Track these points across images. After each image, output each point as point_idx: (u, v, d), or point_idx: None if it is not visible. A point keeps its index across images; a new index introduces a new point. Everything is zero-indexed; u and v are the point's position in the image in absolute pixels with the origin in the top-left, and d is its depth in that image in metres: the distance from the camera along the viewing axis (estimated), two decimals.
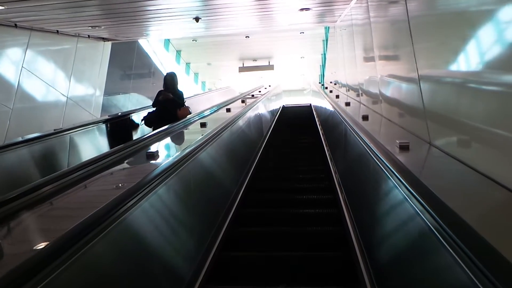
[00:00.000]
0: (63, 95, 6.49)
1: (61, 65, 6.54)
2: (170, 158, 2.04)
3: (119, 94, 9.08)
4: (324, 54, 12.86)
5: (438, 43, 2.11)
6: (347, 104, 4.45)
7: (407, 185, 1.45)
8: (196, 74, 15.70)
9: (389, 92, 3.25)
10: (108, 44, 7.98)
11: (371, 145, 2.14)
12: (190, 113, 4.74)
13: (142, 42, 10.17)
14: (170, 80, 5.20)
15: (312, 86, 12.41)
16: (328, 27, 10.36)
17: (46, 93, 6.16)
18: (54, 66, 6.41)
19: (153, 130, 4.47)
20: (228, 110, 4.57)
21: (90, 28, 5.92)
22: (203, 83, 16.75)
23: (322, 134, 6.14)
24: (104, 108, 8.01)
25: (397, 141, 2.01)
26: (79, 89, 7.07)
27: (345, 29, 6.35)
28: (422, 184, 1.37)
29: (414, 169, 1.58)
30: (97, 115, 7.53)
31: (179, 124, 3.47)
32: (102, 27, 6.02)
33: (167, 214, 1.98)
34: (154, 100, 5.24)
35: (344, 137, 3.58)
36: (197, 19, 5.37)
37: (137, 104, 9.26)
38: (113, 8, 4.75)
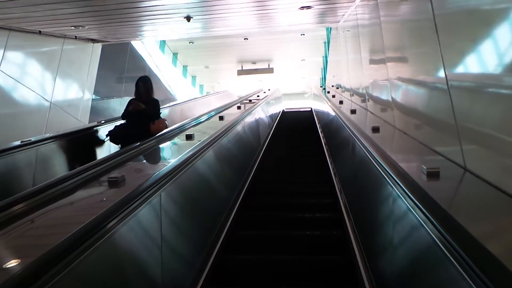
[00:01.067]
0: (46, 99, 6.04)
1: (45, 68, 6.11)
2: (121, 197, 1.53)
3: (111, 98, 8.65)
4: (326, 56, 12.43)
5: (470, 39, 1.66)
6: (353, 112, 4.00)
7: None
8: (193, 77, 15.28)
9: (404, 98, 2.79)
10: (98, 46, 7.55)
11: (391, 173, 1.68)
12: (166, 127, 3.92)
13: (136, 44, 9.75)
14: (142, 87, 4.29)
15: (313, 90, 11.98)
16: (330, 28, 9.93)
17: (27, 98, 5.72)
18: (37, 69, 5.98)
19: (121, 147, 3.92)
20: (221, 118, 4.12)
21: (73, 28, 5.49)
22: (201, 86, 16.33)
23: (325, 144, 5.70)
24: (95, 112, 7.58)
25: (424, 167, 1.55)
26: (65, 93, 6.63)
27: (349, 30, 5.91)
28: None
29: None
30: (85, 121, 7.09)
31: (151, 142, 2.85)
32: (86, 27, 5.59)
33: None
34: (124, 111, 4.31)
35: (352, 154, 3.12)
36: (188, 18, 4.93)
37: None
38: (94, 5, 4.32)
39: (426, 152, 2.05)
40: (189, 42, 12.02)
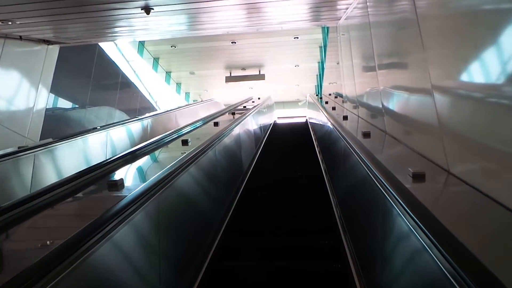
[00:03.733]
0: None
1: None
2: None
3: (73, 109, 7.43)
4: (322, 62, 11.33)
5: None
6: (366, 135, 2.85)
7: None
8: (178, 84, 14.10)
9: (463, 118, 1.67)
10: (54, 49, 6.37)
11: None
12: None
13: (108, 48, 8.56)
14: None
15: (308, 98, 10.87)
16: (327, 30, 8.84)
17: None
18: None
19: None
20: (185, 142, 2.94)
21: (0, 23, 4.30)
22: (187, 94, 15.14)
23: (324, 170, 4.55)
24: (51, 126, 6.37)
25: None
26: (5, 106, 5.42)
27: (354, 29, 4.80)
28: None
29: None
30: (36, 138, 5.88)
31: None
32: (18, 22, 4.40)
33: None
34: None
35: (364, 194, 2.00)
36: (147, 9, 3.76)
37: (96, 120, 7.62)
38: None
39: None
40: (171, 46, 10.87)
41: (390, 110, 2.96)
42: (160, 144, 2.99)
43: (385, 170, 1.82)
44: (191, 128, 3.61)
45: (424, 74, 2.05)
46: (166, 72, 12.81)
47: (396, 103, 2.81)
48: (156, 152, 2.82)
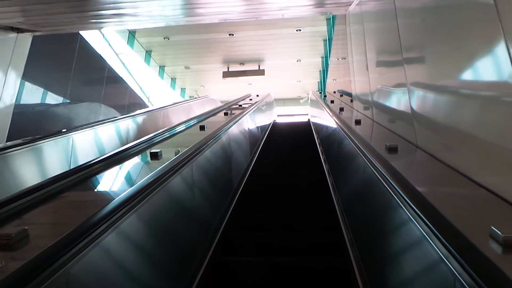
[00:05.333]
0: None
1: None
2: None
3: (46, 106, 6.68)
4: (326, 57, 10.58)
5: None
6: (392, 150, 2.13)
7: None
8: (173, 80, 13.35)
9: None
10: (25, 38, 5.64)
11: None
12: None
13: (92, 39, 7.81)
14: None
15: (310, 96, 10.14)
16: (333, 21, 8.09)
17: None
18: None
19: None
20: (154, 156, 2.22)
21: None
22: (183, 90, 14.39)
23: (332, 186, 3.82)
24: (22, 123, 5.65)
25: None
26: None
27: (370, 16, 4.07)
28: None
29: None
30: (2, 138, 5.17)
31: None
32: None
33: None
34: None
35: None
36: None
37: (77, 118, 6.89)
38: None
39: None
40: (164, 38, 10.13)
41: (423, 117, 2.23)
42: (121, 158, 2.26)
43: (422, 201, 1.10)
44: (166, 136, 2.87)
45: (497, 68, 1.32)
46: (160, 66, 12.06)
47: (434, 107, 2.08)
48: (114, 169, 2.10)
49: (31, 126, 5.82)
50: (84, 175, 1.72)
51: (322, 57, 11.59)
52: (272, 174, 4.70)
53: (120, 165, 2.04)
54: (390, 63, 3.01)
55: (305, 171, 4.78)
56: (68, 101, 6.71)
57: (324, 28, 9.47)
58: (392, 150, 2.18)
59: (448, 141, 1.93)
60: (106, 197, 1.49)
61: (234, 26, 9.28)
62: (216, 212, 2.90)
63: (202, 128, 3.51)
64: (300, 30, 9.64)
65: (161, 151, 2.28)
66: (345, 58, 6.73)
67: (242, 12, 5.36)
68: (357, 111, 4.64)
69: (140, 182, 1.62)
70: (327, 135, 5.10)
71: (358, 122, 3.48)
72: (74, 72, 6.94)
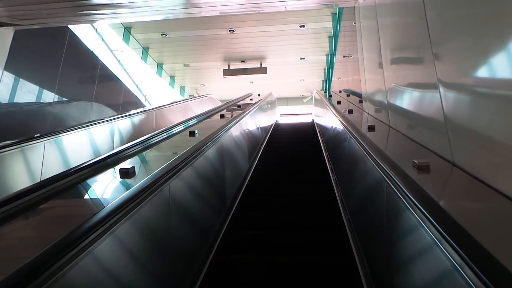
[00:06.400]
0: None
1: None
2: None
3: (34, 104, 6.23)
4: (331, 54, 10.08)
5: None
6: (424, 168, 1.66)
7: None
8: (172, 78, 12.89)
9: None
10: (7, 32, 5.21)
11: None
12: None
13: (83, 34, 7.36)
14: None
15: (314, 95, 9.66)
16: (340, 16, 7.61)
17: None
18: None
19: None
20: (125, 174, 1.76)
21: None
22: (182, 88, 13.92)
23: (340, 199, 3.34)
24: (7, 123, 5.22)
25: None
26: None
27: (368, 16, 3.59)
28: None
29: None
30: None
31: None
32: None
33: None
34: None
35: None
36: None
37: (66, 118, 6.45)
38: None
39: None
40: (161, 34, 9.68)
41: (463, 127, 1.76)
42: (83, 176, 1.81)
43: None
44: (139, 149, 2.39)
45: None
46: (158, 64, 11.60)
47: (480, 115, 1.61)
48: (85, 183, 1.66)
49: (12, 127, 5.38)
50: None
51: (327, 55, 11.10)
52: (272, 192, 4.02)
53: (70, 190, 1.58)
54: (414, 60, 2.53)
55: (311, 188, 4.09)
56: (55, 100, 6.27)
57: (329, 24, 8.98)
58: (423, 169, 1.71)
59: (501, 160, 1.46)
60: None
61: (235, 21, 8.81)
62: (189, 265, 2.43)
63: (192, 134, 3.05)
64: (304, 26, 9.16)
65: (133, 167, 1.83)
66: (350, 56, 6.25)
67: (242, 4, 4.89)
68: (368, 113, 4.17)
69: (85, 223, 1.16)
70: (334, 141, 4.62)
71: (371, 128, 3.00)
72: (62, 69, 6.49)
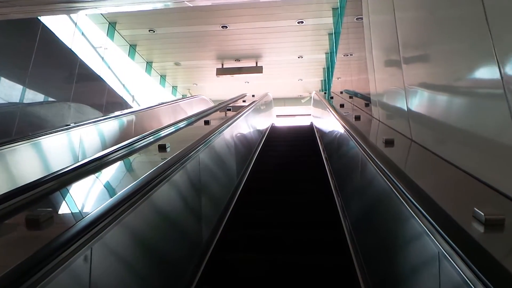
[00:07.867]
0: None
1: None
2: None
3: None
4: (332, 53, 9.44)
5: None
6: (492, 224, 1.03)
7: None
8: (162, 77, 12.21)
9: None
10: None
11: None
12: None
13: (59, 28, 6.69)
14: None
15: (314, 96, 9.03)
16: (342, 10, 6.98)
17: None
18: None
19: None
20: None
21: None
22: (174, 88, 13.24)
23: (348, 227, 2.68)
24: None
25: None
26: None
27: (381, 7, 2.96)
28: None
29: None
30: None
31: None
32: None
33: None
34: None
35: None
36: None
37: (37, 120, 5.78)
38: None
39: None
40: (149, 30, 9.01)
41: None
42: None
43: None
44: (80, 172, 1.74)
45: None
46: (147, 62, 10.92)
47: None
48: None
49: None
50: None
51: (326, 53, 10.46)
52: (264, 221, 3.17)
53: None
54: (463, 52, 1.88)
55: (312, 220, 3.21)
56: (23, 101, 5.60)
57: (329, 19, 8.35)
58: (494, 225, 1.07)
59: None
60: None
61: (228, 17, 8.16)
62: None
63: (162, 148, 2.40)
64: (302, 22, 8.52)
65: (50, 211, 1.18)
66: (352, 54, 5.63)
67: None
68: (379, 120, 3.51)
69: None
70: (339, 157, 3.94)
71: (390, 142, 2.34)
72: (33, 68, 5.82)
